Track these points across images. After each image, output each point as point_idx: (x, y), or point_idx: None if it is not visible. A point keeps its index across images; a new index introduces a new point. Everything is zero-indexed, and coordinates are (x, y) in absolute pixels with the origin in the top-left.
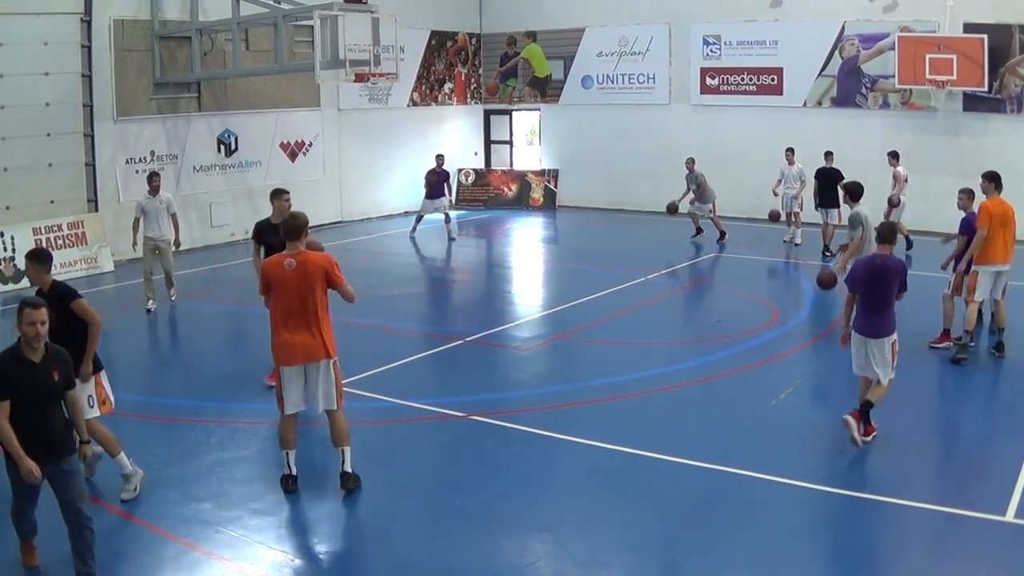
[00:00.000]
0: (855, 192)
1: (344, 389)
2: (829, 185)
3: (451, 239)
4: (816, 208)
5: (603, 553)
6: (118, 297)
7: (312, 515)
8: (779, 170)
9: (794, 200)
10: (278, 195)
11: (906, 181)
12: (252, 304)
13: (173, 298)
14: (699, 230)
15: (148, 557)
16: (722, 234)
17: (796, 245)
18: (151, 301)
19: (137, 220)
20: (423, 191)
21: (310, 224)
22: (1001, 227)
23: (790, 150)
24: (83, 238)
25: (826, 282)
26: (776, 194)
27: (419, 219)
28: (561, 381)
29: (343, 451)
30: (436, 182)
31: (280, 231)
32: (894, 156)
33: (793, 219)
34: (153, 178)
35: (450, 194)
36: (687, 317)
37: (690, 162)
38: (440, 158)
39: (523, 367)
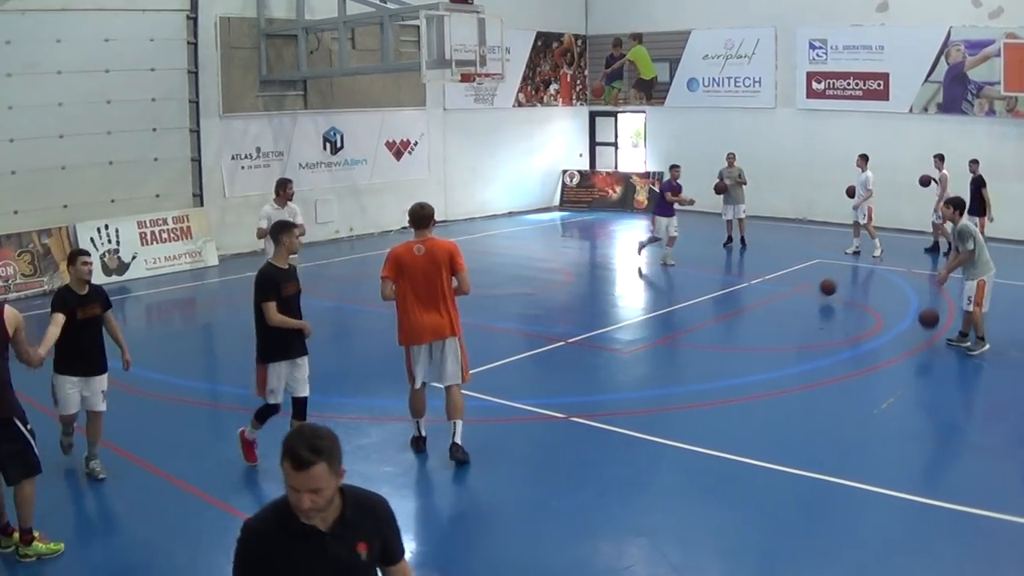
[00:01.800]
0: (961, 206)
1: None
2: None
3: (666, 265)
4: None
5: (699, 559)
6: (222, 291)
7: (409, 513)
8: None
9: (855, 210)
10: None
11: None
12: (355, 301)
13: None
14: (731, 239)
15: None
16: (743, 242)
17: (855, 254)
18: None
19: (263, 231)
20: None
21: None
22: None
23: (862, 156)
24: (188, 232)
25: (927, 321)
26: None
27: (650, 241)
28: (662, 385)
29: (455, 424)
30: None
31: (409, 221)
32: (940, 159)
33: (854, 228)
34: (286, 186)
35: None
36: (790, 323)
37: (731, 157)
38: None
39: (624, 370)
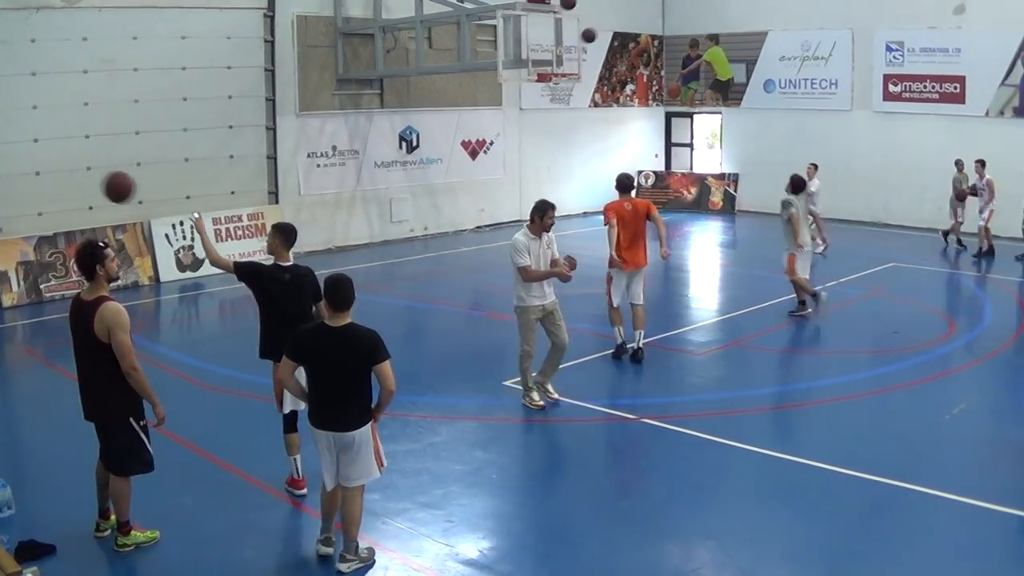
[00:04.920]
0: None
1: (518, 386)
2: None
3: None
4: None
5: (768, 563)
6: None
7: (478, 511)
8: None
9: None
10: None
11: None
12: (427, 300)
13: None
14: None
15: (312, 547)
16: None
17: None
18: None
19: (526, 268)
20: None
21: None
22: None
23: (979, 162)
24: (263, 229)
25: None
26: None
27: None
28: (734, 387)
29: (639, 332)
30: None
31: (617, 184)
32: (982, 164)
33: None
34: (548, 212)
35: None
36: (863, 327)
37: (811, 169)
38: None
39: (697, 372)
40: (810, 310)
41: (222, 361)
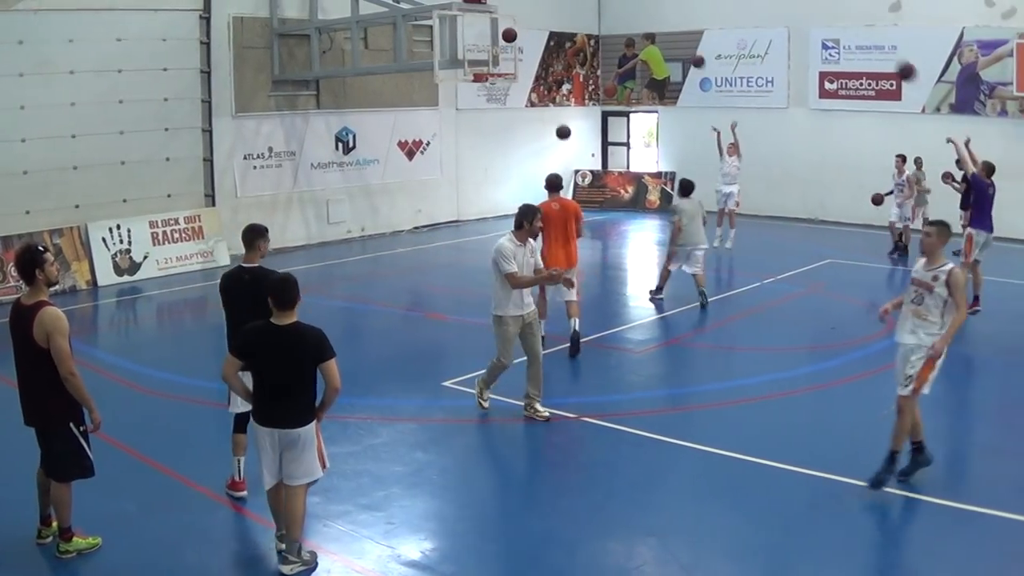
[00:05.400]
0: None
1: (457, 386)
2: None
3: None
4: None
5: (709, 559)
6: None
7: (420, 513)
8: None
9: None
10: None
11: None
12: (366, 301)
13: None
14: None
15: (255, 550)
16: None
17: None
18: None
19: (512, 275)
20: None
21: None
22: None
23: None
24: (199, 232)
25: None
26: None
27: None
28: (673, 385)
29: (574, 320)
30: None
31: (546, 184)
32: (902, 159)
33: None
34: (537, 216)
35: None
36: (801, 323)
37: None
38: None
39: (635, 370)
40: (661, 296)
41: (160, 365)
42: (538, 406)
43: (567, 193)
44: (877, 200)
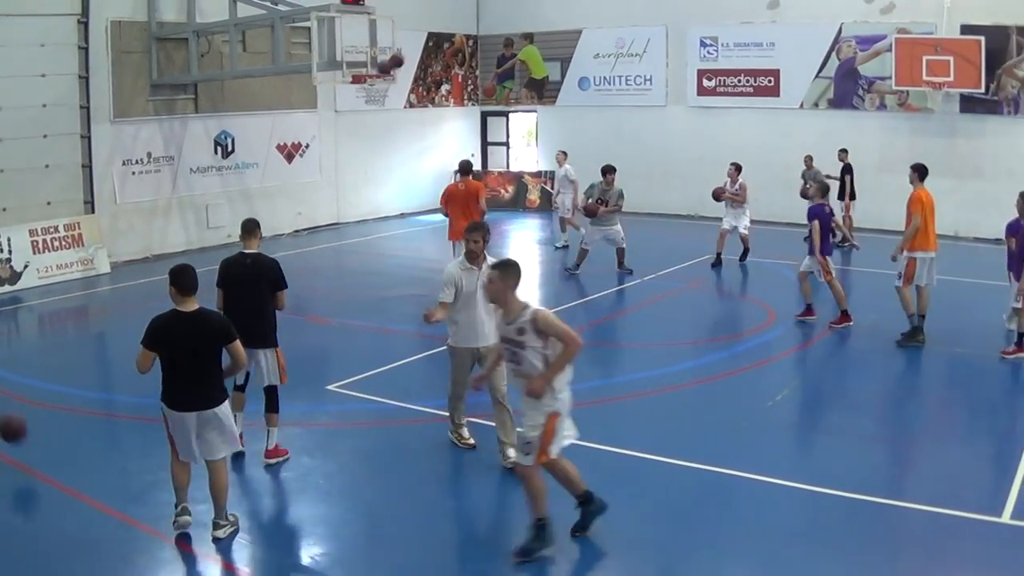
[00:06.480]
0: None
1: (342, 390)
2: None
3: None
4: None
5: (602, 556)
6: (115, 298)
7: (307, 518)
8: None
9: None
10: None
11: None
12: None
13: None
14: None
15: (144, 559)
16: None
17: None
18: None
19: (443, 305)
20: None
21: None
22: (932, 216)
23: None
24: (79, 240)
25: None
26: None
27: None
28: None
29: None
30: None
31: (458, 168)
32: (736, 169)
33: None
34: (481, 235)
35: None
36: (684, 319)
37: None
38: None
39: None
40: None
41: (44, 376)
42: (509, 451)
43: (433, 199)
44: (717, 195)
